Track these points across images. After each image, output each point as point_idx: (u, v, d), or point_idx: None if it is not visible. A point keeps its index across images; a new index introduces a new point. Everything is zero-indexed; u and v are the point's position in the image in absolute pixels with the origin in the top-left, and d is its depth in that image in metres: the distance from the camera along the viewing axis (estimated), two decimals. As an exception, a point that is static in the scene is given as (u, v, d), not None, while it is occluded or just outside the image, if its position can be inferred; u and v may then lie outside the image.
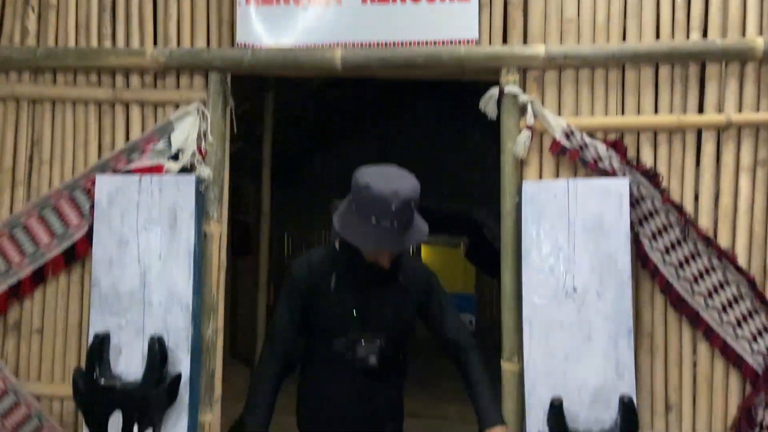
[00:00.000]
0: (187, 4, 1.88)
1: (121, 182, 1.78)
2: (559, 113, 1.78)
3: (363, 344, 1.60)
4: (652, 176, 1.71)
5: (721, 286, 1.70)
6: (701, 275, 1.71)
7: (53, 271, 1.84)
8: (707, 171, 1.73)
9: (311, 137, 6.31)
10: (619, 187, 1.68)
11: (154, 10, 1.89)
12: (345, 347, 1.61)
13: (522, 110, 1.77)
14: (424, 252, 8.39)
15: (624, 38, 1.78)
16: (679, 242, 1.71)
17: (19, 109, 1.90)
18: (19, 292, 1.85)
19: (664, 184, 1.72)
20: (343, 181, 1.75)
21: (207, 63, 1.84)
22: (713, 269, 1.70)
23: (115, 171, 1.82)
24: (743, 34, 1.74)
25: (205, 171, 1.81)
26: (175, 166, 1.79)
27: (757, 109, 1.73)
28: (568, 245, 1.69)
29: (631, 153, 1.75)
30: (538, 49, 1.77)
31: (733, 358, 1.69)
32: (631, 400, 1.61)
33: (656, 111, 1.76)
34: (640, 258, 1.73)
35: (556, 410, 1.63)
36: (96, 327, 1.74)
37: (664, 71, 1.76)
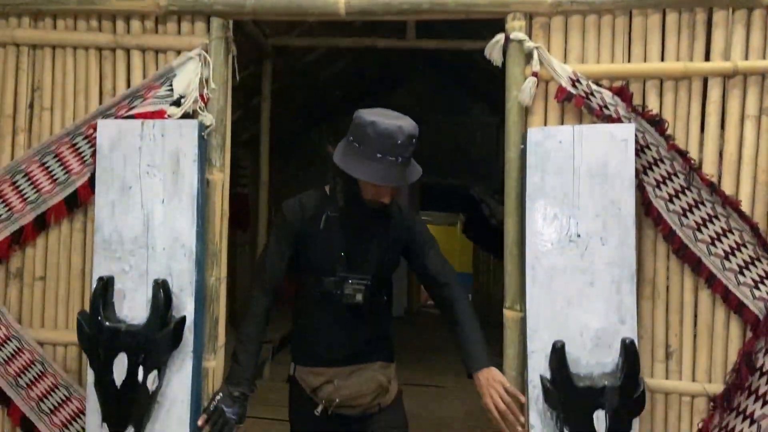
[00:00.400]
0: (189, -53, 1.85)
1: (123, 127, 1.76)
2: (565, 60, 1.77)
3: (350, 283, 1.72)
4: (657, 123, 1.71)
5: (724, 233, 1.70)
6: (704, 223, 1.71)
7: (55, 218, 1.84)
8: (712, 119, 1.73)
9: (309, 109, 6.27)
10: (625, 132, 1.67)
11: (155, -46, 1.86)
12: (334, 285, 1.74)
13: (528, 57, 1.76)
14: (422, 230, 8.40)
15: (631, -16, 1.76)
16: (683, 190, 1.71)
17: (20, 54, 1.88)
18: (21, 238, 1.84)
19: (669, 131, 1.72)
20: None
21: (208, 7, 1.81)
22: (716, 217, 1.70)
23: (116, 117, 1.81)
24: (751, -20, 1.73)
25: (207, 118, 1.80)
26: (177, 111, 1.77)
27: (764, 57, 1.71)
28: (573, 191, 1.69)
29: (636, 100, 1.74)
30: (544, -6, 1.75)
31: (734, 305, 1.69)
32: (633, 342, 1.62)
33: (662, 58, 1.76)
34: (643, 206, 1.73)
35: (558, 353, 1.64)
36: (99, 272, 1.73)
37: (672, 18, 1.74)
